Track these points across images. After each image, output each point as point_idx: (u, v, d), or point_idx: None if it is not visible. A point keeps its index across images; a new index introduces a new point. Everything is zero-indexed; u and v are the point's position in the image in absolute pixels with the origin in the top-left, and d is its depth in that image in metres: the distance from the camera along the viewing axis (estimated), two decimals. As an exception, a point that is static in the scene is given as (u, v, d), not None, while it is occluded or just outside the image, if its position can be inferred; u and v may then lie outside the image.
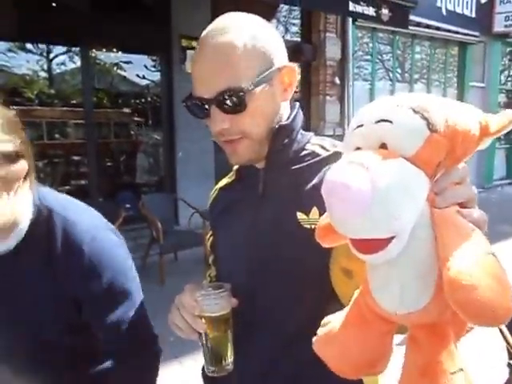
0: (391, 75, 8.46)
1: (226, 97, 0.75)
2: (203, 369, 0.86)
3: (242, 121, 0.78)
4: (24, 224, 0.89)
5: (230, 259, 0.93)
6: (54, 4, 4.64)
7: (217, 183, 1.04)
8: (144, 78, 5.77)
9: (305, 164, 0.86)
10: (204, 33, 0.80)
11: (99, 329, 0.95)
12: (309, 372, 0.79)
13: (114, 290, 0.93)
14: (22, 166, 0.85)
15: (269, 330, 0.85)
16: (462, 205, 0.48)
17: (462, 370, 0.47)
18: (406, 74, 8.79)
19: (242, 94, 0.75)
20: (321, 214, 0.74)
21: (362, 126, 0.50)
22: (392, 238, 0.44)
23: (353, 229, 0.45)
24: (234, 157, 0.83)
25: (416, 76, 8.93)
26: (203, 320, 0.80)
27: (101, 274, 0.91)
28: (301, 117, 0.88)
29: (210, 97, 0.76)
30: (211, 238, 1.01)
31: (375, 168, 0.43)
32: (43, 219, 0.91)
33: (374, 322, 0.53)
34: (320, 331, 0.60)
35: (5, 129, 0.81)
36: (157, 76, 5.77)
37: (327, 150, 0.86)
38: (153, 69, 5.77)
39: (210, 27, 0.80)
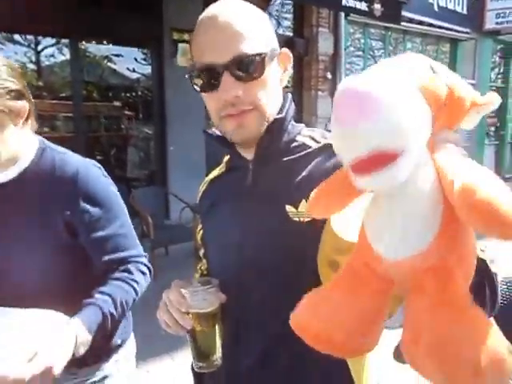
0: (383, 71, 8.48)
1: (243, 61, 0.74)
2: (192, 364, 0.86)
3: (255, 90, 0.77)
4: (25, 159, 1.05)
5: (220, 252, 0.93)
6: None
7: (207, 176, 1.04)
8: (134, 71, 5.71)
9: (295, 156, 0.85)
10: (206, 10, 0.78)
11: (92, 245, 1.07)
12: (303, 365, 0.79)
13: (104, 211, 1.08)
14: (24, 104, 1.02)
15: (262, 324, 0.84)
16: None
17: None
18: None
19: (259, 59, 0.75)
20: None
21: None
22: (399, 154, 0.42)
23: (361, 137, 0.42)
24: (239, 131, 0.79)
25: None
26: (191, 316, 0.79)
27: (93, 199, 1.06)
28: (292, 108, 0.88)
29: (224, 62, 0.74)
30: (201, 231, 1.01)
31: (389, 79, 0.43)
32: (45, 156, 1.08)
33: (368, 279, 0.51)
34: (300, 303, 0.56)
35: (8, 71, 0.98)
36: (147, 69, 5.72)
37: (317, 142, 0.86)
38: (143, 62, 5.71)
39: (211, 6, 0.78)
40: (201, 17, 0.78)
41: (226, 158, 0.97)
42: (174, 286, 0.84)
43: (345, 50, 7.12)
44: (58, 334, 0.90)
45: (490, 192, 0.37)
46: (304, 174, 0.83)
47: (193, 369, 0.88)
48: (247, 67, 0.74)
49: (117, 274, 1.09)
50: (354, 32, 7.81)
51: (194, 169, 5.30)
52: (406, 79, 0.45)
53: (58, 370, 0.86)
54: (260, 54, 0.75)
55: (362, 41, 7.95)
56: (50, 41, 5.06)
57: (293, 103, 0.89)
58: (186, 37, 5.13)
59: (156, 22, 5.21)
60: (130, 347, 1.26)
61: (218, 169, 1.00)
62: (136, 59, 5.65)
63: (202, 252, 1.03)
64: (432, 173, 0.46)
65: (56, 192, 1.04)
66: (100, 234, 1.07)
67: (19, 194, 1.04)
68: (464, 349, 0.41)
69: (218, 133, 0.88)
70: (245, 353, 0.86)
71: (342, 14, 6.75)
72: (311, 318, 0.53)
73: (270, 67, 0.79)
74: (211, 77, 0.75)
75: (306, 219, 0.77)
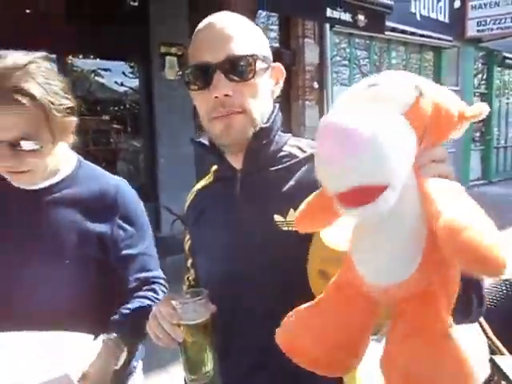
0: (369, 80, 8.58)
1: (235, 62, 0.77)
2: (185, 378, 0.85)
3: (245, 92, 0.79)
4: (64, 170, 1.08)
5: (208, 263, 0.92)
6: (27, 10, 4.57)
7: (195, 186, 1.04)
8: (122, 84, 5.71)
9: (282, 166, 0.86)
10: (203, 21, 0.82)
11: (121, 262, 1.08)
12: (294, 376, 0.79)
13: (136, 230, 1.10)
14: (74, 120, 1.04)
15: (251, 335, 0.84)
16: None
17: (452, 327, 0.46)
18: (383, 79, 8.93)
19: (251, 61, 0.78)
20: None
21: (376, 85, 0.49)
22: (384, 188, 0.43)
23: (346, 173, 0.43)
24: (227, 132, 0.80)
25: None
26: (181, 328, 0.79)
27: (129, 217, 1.09)
28: (279, 118, 0.90)
29: (218, 61, 0.77)
30: (189, 241, 1.01)
31: (373, 113, 0.43)
32: (82, 170, 1.11)
33: (354, 298, 0.52)
34: (285, 320, 0.57)
35: (63, 87, 1.01)
36: (135, 83, 5.72)
37: (304, 152, 0.87)
38: (131, 75, 5.71)
39: (208, 17, 0.82)
40: (198, 26, 0.82)
41: (214, 167, 0.97)
42: (164, 298, 0.84)
43: (331, 59, 7.21)
44: (98, 350, 0.92)
45: (476, 232, 0.37)
46: (291, 183, 0.84)
47: (186, 382, 0.87)
48: (239, 68, 0.77)
49: (142, 293, 1.08)
50: (340, 42, 7.92)
51: (184, 181, 5.28)
52: (389, 107, 0.45)
53: None
54: (251, 56, 0.78)
55: (348, 50, 8.05)
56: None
57: (280, 113, 0.90)
58: (173, 50, 5.16)
59: (143, 35, 5.22)
60: (140, 365, 1.27)
61: (205, 178, 1.01)
62: (124, 73, 5.65)
63: (189, 262, 1.02)
64: (416, 199, 0.46)
65: (94, 206, 1.05)
66: (130, 251, 1.08)
67: (55, 203, 1.05)
68: (435, 381, 0.42)
69: (205, 142, 0.89)
70: (236, 363, 0.86)
71: (327, 25, 6.85)
72: (295, 335, 0.54)
73: (262, 75, 0.81)
74: (204, 75, 0.78)
75: (295, 228, 0.78)
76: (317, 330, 0.53)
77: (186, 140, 5.41)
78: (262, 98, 0.82)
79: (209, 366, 0.81)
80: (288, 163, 0.86)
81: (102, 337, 0.95)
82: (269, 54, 0.85)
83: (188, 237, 1.01)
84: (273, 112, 0.87)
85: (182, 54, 5.13)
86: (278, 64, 0.87)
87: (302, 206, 0.57)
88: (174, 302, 0.80)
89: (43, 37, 4.59)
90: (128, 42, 5.09)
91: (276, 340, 0.56)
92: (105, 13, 4.92)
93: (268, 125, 0.84)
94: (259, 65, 0.80)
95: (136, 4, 5.16)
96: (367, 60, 8.52)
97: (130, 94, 5.86)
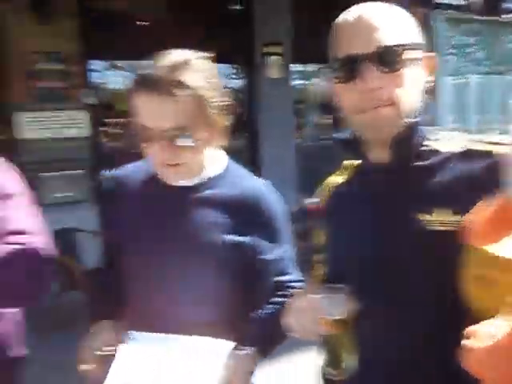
0: (480, 68, 7.92)
1: (386, 52, 0.75)
2: (323, 371, 0.86)
3: (394, 84, 0.76)
4: (211, 170, 1.08)
5: (345, 259, 0.90)
6: (140, 22, 4.92)
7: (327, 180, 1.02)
8: (225, 86, 5.88)
9: (428, 161, 0.82)
10: (347, 11, 0.80)
11: (258, 266, 1.06)
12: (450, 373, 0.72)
13: (277, 235, 1.08)
14: (230, 121, 1.06)
15: (390, 332, 0.80)
16: None
17: None
18: (498, 66, 8.19)
19: (401, 51, 0.75)
20: (449, 215, 0.73)
21: None
22: None
23: None
24: (374, 125, 0.78)
25: (508, 67, 8.30)
26: (323, 322, 0.79)
27: (271, 222, 1.08)
28: (425, 111, 0.84)
29: (367, 52, 0.75)
30: (322, 238, 0.98)
31: None
32: (231, 171, 1.11)
33: None
34: (469, 344, 0.54)
35: (221, 86, 1.04)
36: (238, 83, 5.87)
37: (449, 147, 0.82)
38: (234, 76, 5.88)
39: (351, 8, 0.80)
40: (340, 18, 0.81)
41: (349, 162, 0.95)
42: (302, 292, 0.85)
43: (438, 48, 6.79)
44: (238, 361, 0.94)
45: None
46: (438, 180, 0.79)
47: (323, 376, 0.88)
48: (389, 58, 0.75)
49: (276, 299, 1.06)
50: (448, 29, 7.42)
51: (286, 180, 5.32)
52: None
53: None
54: (402, 46, 0.75)
55: (456, 38, 7.52)
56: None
57: (423, 106, 0.85)
58: (276, 49, 5.21)
59: (247, 37, 5.34)
60: None
61: (337, 174, 0.99)
62: (227, 74, 5.82)
63: (320, 258, 1.00)
64: None
65: (236, 210, 1.05)
66: (268, 257, 1.06)
67: (201, 202, 1.06)
68: None
69: (346, 137, 0.88)
70: (372, 365, 0.82)
71: (434, 12, 6.46)
72: (484, 366, 0.53)
73: (413, 65, 0.78)
74: (352, 67, 0.76)
75: (441, 228, 0.74)
76: (503, 367, 0.51)
77: (287, 139, 5.45)
78: (411, 90, 0.79)
79: (348, 362, 0.82)
80: (433, 159, 0.82)
81: (240, 351, 0.96)
82: (421, 43, 0.81)
83: (320, 232, 0.99)
84: (421, 104, 0.83)
85: (285, 53, 5.17)
86: (431, 54, 0.83)
87: (474, 219, 0.54)
88: (314, 296, 0.81)
89: (149, 43, 4.86)
90: (232, 44, 5.24)
91: (464, 364, 0.55)
92: (209, 16, 5.11)
93: (417, 118, 0.81)
94: (410, 54, 0.77)
95: (238, 7, 5.29)
96: (476, 47, 7.87)
97: (233, 94, 6.03)
